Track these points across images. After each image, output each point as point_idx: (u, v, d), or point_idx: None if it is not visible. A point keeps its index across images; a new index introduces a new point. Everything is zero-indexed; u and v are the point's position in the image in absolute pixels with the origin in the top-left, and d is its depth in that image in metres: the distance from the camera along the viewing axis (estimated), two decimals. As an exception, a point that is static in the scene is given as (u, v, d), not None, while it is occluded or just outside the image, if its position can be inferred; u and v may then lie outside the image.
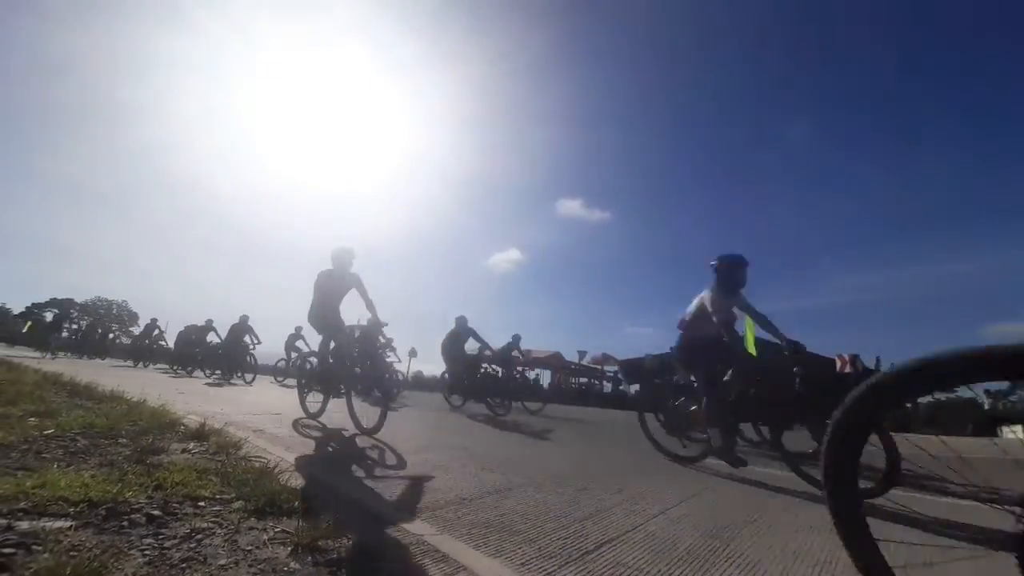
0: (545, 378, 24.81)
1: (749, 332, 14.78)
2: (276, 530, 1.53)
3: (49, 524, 1.36)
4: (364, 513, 1.89)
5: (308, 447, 3.27)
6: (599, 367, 25.40)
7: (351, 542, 1.50)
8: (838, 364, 13.32)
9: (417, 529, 1.70)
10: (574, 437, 5.68)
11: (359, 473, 2.66)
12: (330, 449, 3.42)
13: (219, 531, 1.47)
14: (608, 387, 24.14)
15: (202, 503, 1.70)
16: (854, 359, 13.26)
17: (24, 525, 1.33)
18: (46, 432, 2.52)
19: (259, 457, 2.53)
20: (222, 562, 1.26)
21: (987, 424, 12.00)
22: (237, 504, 1.72)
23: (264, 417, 4.52)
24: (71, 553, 1.18)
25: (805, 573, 1.59)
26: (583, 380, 27.17)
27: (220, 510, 1.65)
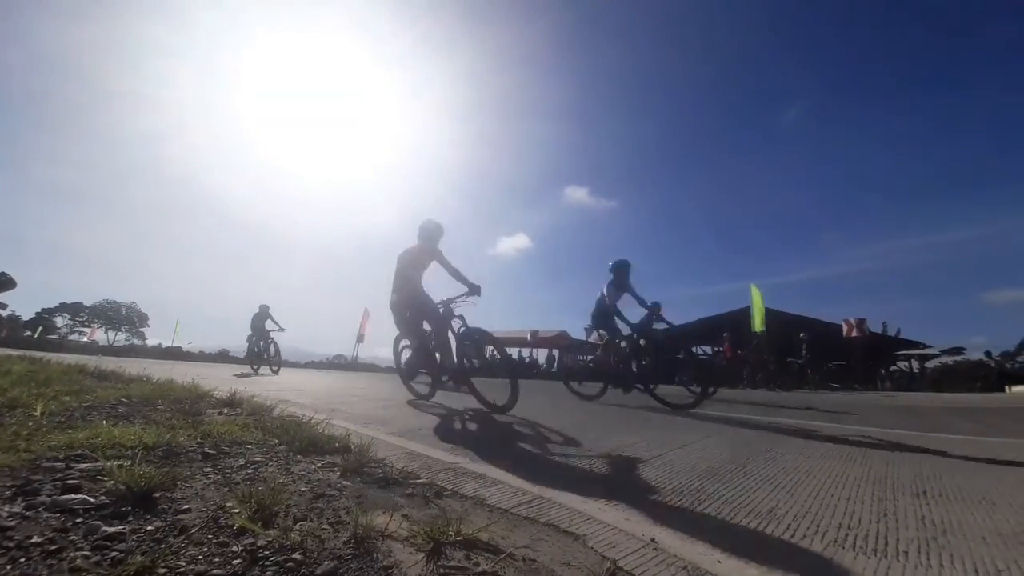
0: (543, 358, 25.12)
1: (756, 303, 14.67)
2: (322, 462, 1.63)
3: (109, 463, 1.44)
4: (401, 450, 1.99)
5: (333, 412, 3.37)
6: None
7: (394, 468, 1.59)
8: (844, 329, 13.43)
9: (452, 459, 1.80)
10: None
11: (387, 428, 2.76)
12: (354, 412, 3.53)
13: (271, 464, 1.57)
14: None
15: (250, 445, 1.80)
16: (860, 323, 13.33)
17: (83, 465, 1.42)
18: (85, 404, 2.62)
19: (291, 416, 2.63)
20: (281, 480, 1.36)
21: (996, 382, 12.09)
22: (281, 447, 1.82)
23: (287, 392, 4.64)
24: (140, 474, 1.27)
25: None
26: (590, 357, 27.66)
27: (267, 451, 1.75)
